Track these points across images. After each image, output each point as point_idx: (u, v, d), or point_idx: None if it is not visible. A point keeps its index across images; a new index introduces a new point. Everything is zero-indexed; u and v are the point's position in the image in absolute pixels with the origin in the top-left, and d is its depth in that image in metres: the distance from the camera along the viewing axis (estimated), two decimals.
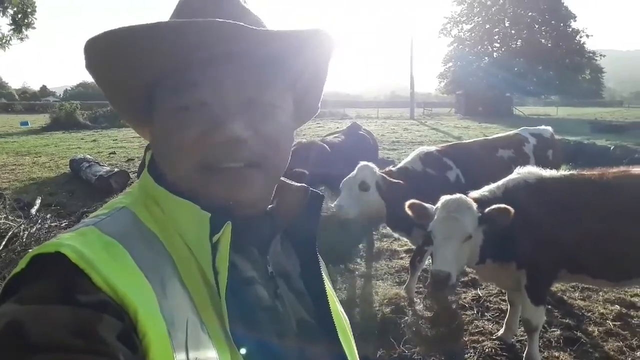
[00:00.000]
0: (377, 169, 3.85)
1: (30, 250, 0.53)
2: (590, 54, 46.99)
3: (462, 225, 2.56)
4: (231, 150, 0.61)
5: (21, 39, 6.70)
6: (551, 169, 2.96)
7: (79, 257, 0.50)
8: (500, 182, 2.88)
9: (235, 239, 0.59)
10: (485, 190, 2.85)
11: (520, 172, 2.89)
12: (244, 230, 0.64)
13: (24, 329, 0.44)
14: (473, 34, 50.12)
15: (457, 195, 2.67)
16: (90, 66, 0.62)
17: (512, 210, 2.47)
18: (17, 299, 0.48)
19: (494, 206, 2.54)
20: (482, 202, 2.69)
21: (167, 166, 0.64)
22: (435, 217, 2.66)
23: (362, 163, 3.94)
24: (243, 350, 0.56)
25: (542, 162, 4.29)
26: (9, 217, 4.81)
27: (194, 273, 0.59)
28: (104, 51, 0.59)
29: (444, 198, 2.70)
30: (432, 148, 4.29)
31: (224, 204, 0.62)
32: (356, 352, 0.76)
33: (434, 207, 2.72)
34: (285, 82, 0.68)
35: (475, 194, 2.83)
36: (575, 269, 2.78)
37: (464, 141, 4.78)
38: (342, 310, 0.81)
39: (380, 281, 4.37)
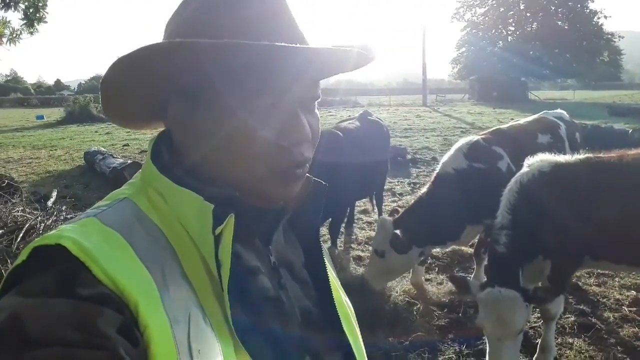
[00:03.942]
0: (389, 226, 3.50)
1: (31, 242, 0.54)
2: (609, 36, 45.68)
3: (514, 326, 2.37)
4: (302, 150, 0.63)
5: (32, 33, 6.74)
6: (580, 151, 2.88)
7: (79, 249, 0.50)
8: (512, 181, 2.80)
9: (238, 229, 0.58)
10: (504, 211, 2.70)
11: (531, 162, 2.81)
12: (248, 220, 0.64)
13: (24, 323, 0.44)
14: (487, 18, 49.12)
15: (501, 293, 2.41)
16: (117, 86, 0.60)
17: (557, 290, 2.43)
18: (18, 291, 0.48)
19: (539, 290, 2.44)
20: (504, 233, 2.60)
21: (232, 167, 0.63)
22: (483, 314, 2.47)
23: (378, 222, 3.62)
24: (246, 341, 0.56)
25: (573, 146, 4.17)
26: (26, 209, 4.90)
27: (197, 264, 0.59)
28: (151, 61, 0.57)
29: (485, 293, 2.44)
30: (476, 137, 3.84)
31: (279, 201, 0.65)
32: (361, 341, 0.76)
33: (476, 286, 2.52)
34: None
35: (499, 233, 2.64)
36: (598, 255, 2.72)
37: (502, 126, 4.41)
38: (347, 300, 0.80)
39: None
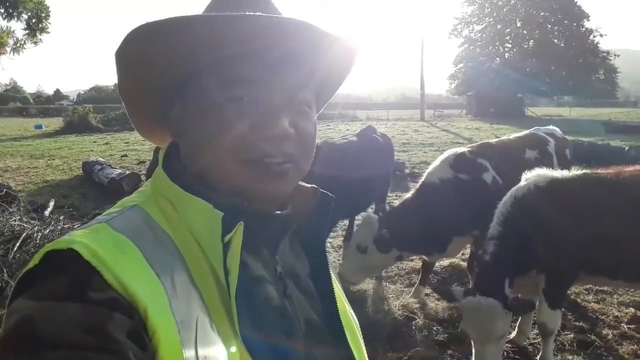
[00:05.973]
0: (375, 223, 3.55)
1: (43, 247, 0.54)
2: (604, 54, 46.23)
3: (495, 333, 2.45)
4: (277, 145, 0.62)
5: (35, 43, 6.79)
6: (569, 168, 2.90)
7: (91, 254, 0.51)
8: (507, 195, 2.82)
9: (246, 238, 0.59)
10: (495, 223, 2.73)
11: (529, 177, 2.82)
12: (255, 229, 0.64)
13: (36, 326, 0.45)
14: (484, 35, 49.67)
15: (480, 303, 2.45)
16: (125, 55, 0.61)
17: (535, 303, 2.47)
18: (30, 294, 0.49)
19: (516, 300, 2.47)
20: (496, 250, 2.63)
21: (204, 159, 0.64)
22: (465, 320, 2.54)
23: (362, 217, 3.67)
24: (251, 349, 0.56)
25: (562, 162, 4.18)
26: (23, 218, 4.87)
27: (205, 271, 0.59)
28: (150, 40, 0.59)
29: (466, 301, 2.50)
30: (463, 149, 3.87)
31: (261, 198, 0.64)
32: (365, 353, 0.75)
33: (460, 292, 2.58)
34: (314, 81, 0.69)
35: (489, 247, 2.67)
36: (594, 270, 2.72)
37: (490, 141, 4.43)
38: (352, 312, 0.80)
39: (391, 283, 4.35)
